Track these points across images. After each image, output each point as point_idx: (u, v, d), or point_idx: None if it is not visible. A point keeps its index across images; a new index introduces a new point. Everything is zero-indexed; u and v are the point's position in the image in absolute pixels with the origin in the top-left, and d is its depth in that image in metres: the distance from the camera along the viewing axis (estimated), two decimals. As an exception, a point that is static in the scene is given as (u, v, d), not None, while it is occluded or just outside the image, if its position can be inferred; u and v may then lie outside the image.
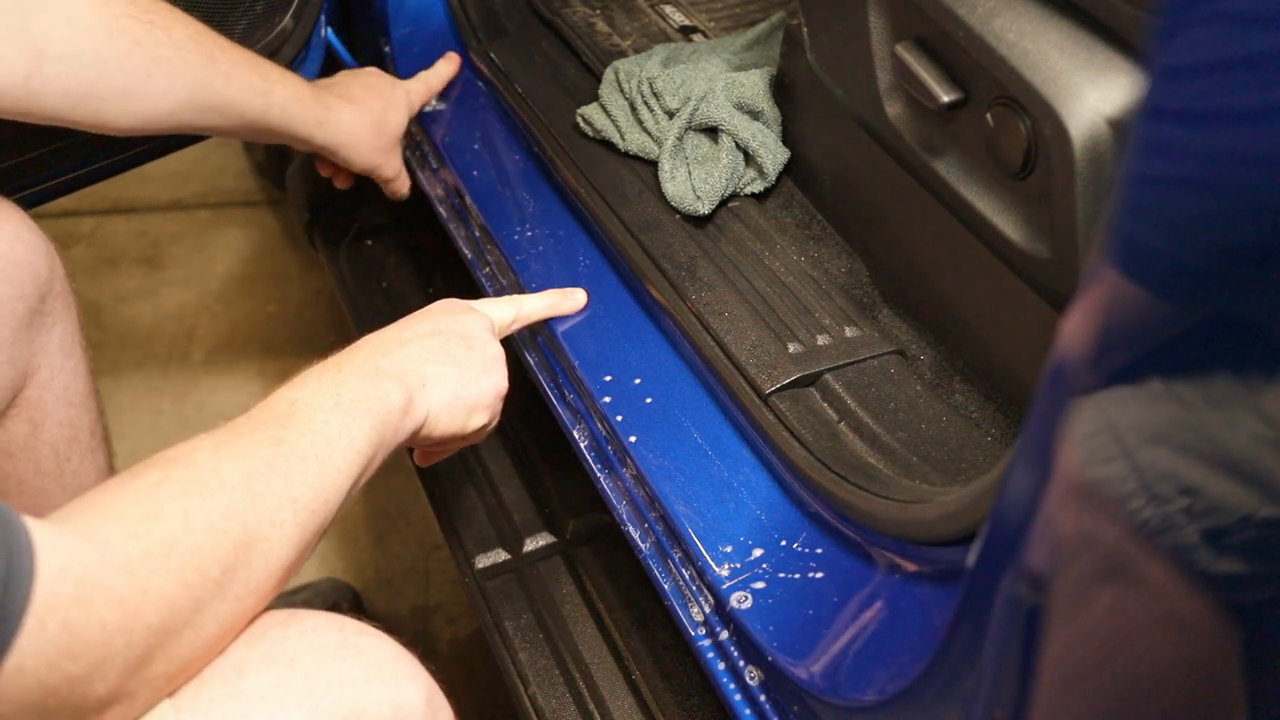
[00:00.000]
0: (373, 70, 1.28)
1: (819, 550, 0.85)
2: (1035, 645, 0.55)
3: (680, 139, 1.10)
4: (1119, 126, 0.70)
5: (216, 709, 0.64)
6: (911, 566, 0.77)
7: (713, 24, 1.34)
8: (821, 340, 0.95)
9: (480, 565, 1.16)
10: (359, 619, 0.72)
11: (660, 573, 0.91)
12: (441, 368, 0.87)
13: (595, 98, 1.20)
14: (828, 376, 0.92)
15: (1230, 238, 0.45)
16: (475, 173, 1.25)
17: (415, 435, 0.85)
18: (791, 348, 0.94)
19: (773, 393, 0.91)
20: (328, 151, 1.20)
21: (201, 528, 0.64)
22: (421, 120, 1.32)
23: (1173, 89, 0.46)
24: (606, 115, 1.17)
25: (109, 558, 0.59)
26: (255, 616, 0.69)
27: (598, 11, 1.37)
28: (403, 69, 1.36)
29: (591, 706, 1.03)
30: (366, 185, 1.33)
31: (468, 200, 1.21)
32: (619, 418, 0.96)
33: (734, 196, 1.11)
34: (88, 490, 0.65)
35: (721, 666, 0.86)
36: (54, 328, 1.09)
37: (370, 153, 1.22)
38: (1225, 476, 0.46)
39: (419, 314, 0.94)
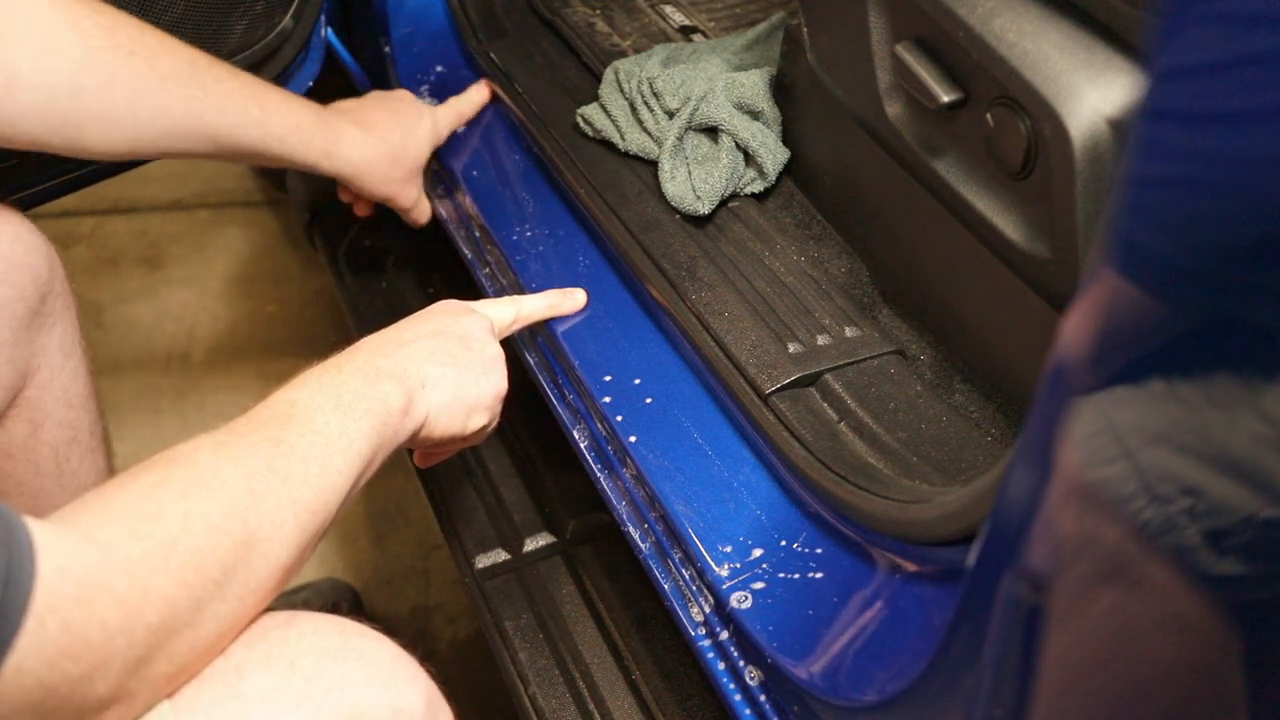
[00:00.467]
0: (402, 95, 1.26)
1: (819, 550, 0.85)
2: (1035, 645, 0.55)
3: (680, 139, 1.10)
4: (1119, 126, 0.70)
5: (216, 710, 0.64)
6: (911, 566, 0.77)
7: (713, 24, 1.34)
8: (821, 340, 0.95)
9: (480, 565, 1.16)
10: (359, 620, 0.72)
11: (660, 573, 0.91)
12: (441, 369, 0.87)
13: (595, 98, 1.20)
14: (828, 376, 0.92)
15: (1230, 239, 0.45)
16: (475, 173, 1.25)
17: (415, 436, 0.85)
18: (791, 348, 0.94)
19: (773, 393, 0.91)
20: (340, 180, 1.18)
21: (201, 528, 0.64)
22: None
23: (1172, 90, 0.46)
24: (606, 115, 1.17)
25: (110, 558, 0.59)
26: (255, 617, 0.69)
27: (598, 11, 1.37)
28: (403, 69, 1.36)
29: (591, 706, 1.03)
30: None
31: (468, 200, 1.21)
32: (619, 418, 0.96)
33: (734, 196, 1.11)
34: (87, 491, 0.65)
35: (721, 666, 0.86)
36: (54, 328, 1.09)
37: (383, 183, 1.20)
38: (1227, 477, 0.46)
39: (419, 315, 0.94)
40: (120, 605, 0.59)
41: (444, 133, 1.26)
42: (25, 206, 1.08)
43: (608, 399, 0.98)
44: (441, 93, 1.34)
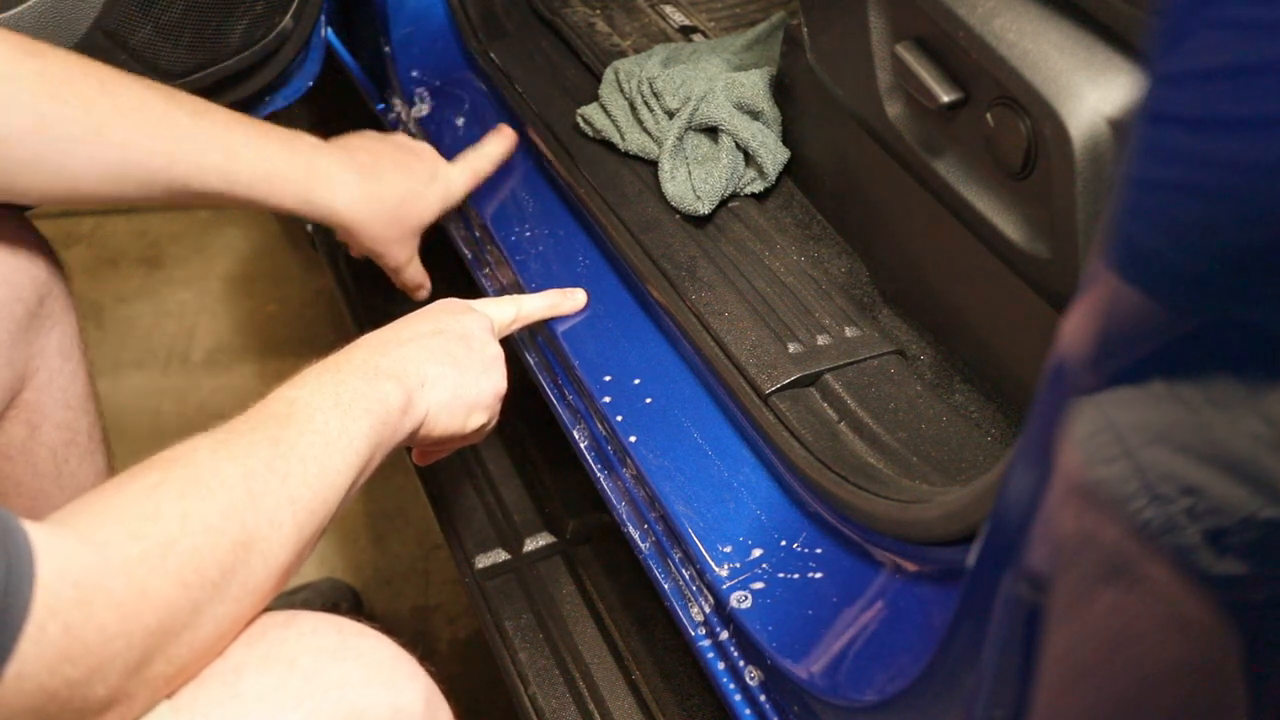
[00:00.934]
0: (422, 149, 1.15)
1: (819, 550, 0.85)
2: (1035, 645, 0.55)
3: (680, 139, 1.10)
4: (1119, 127, 0.70)
5: (215, 710, 0.64)
6: (911, 566, 0.77)
7: (713, 24, 1.34)
8: (821, 340, 0.95)
9: (480, 565, 1.16)
10: (358, 620, 0.72)
11: (660, 573, 0.91)
12: (440, 368, 0.87)
13: (595, 98, 1.19)
14: (828, 376, 0.92)
15: (1230, 241, 0.45)
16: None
17: (414, 435, 0.85)
18: (791, 348, 0.94)
19: (773, 393, 0.91)
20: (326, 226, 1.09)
21: (200, 528, 0.64)
22: (421, 122, 1.32)
23: (1173, 94, 0.46)
24: (606, 115, 1.17)
25: (108, 559, 0.59)
26: (254, 617, 0.69)
27: (598, 11, 1.37)
28: (403, 69, 1.36)
29: (591, 706, 1.03)
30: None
31: (468, 200, 1.21)
32: (619, 418, 0.96)
33: (734, 196, 1.11)
34: (86, 492, 0.65)
35: (721, 666, 0.86)
36: (53, 330, 1.09)
37: (373, 240, 1.10)
38: (1227, 477, 0.46)
39: (418, 314, 0.93)
40: (119, 607, 0.58)
41: (457, 194, 1.15)
42: (24, 208, 1.08)
43: (608, 399, 0.98)
44: (442, 94, 1.34)
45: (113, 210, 2.16)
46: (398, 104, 1.36)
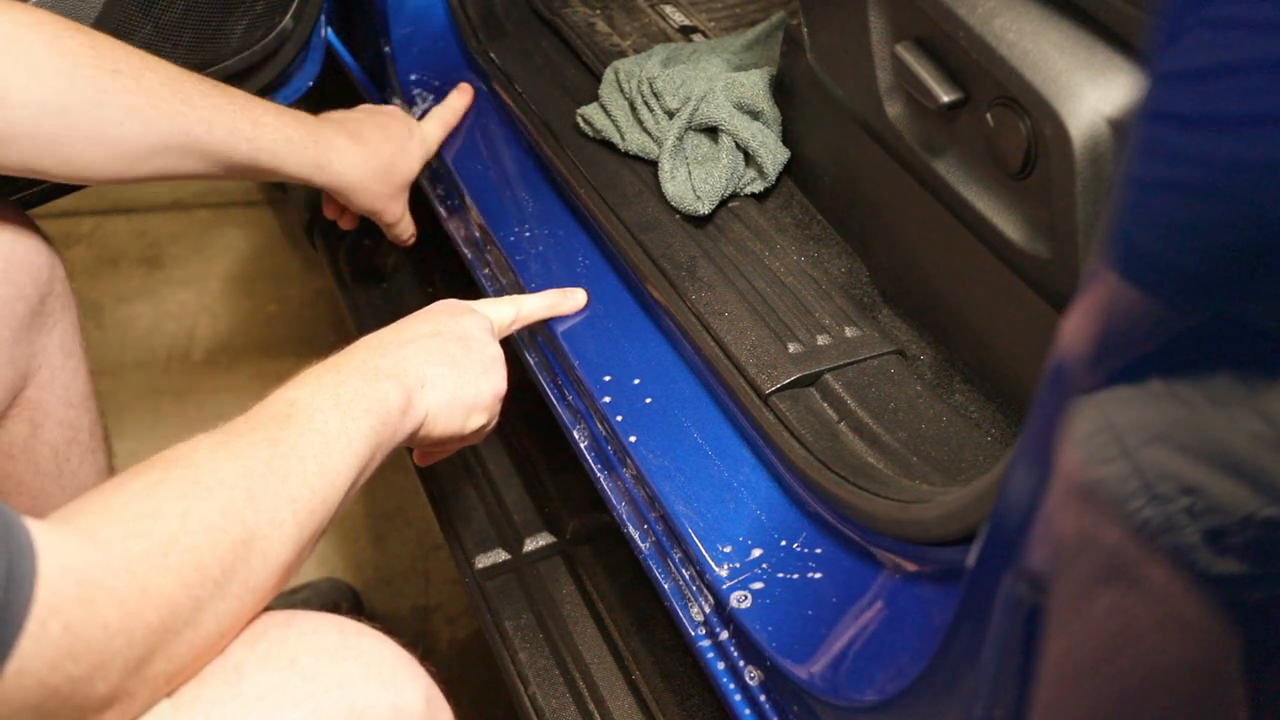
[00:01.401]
0: (393, 111, 1.25)
1: (819, 550, 0.85)
2: (1035, 645, 0.55)
3: (680, 139, 1.10)
4: (1119, 126, 0.70)
5: (216, 709, 0.64)
6: (911, 566, 0.77)
7: (713, 24, 1.34)
8: (821, 340, 0.95)
9: (480, 565, 1.16)
10: (358, 619, 0.72)
11: (660, 573, 0.91)
12: (440, 369, 0.87)
13: (595, 98, 1.20)
14: (828, 376, 0.92)
15: (1229, 240, 0.45)
16: (475, 172, 1.25)
17: (414, 436, 0.85)
18: (791, 348, 0.94)
19: (773, 393, 0.91)
20: (330, 192, 1.18)
21: (200, 527, 0.64)
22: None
23: (1172, 93, 0.46)
24: (606, 115, 1.17)
25: (110, 557, 0.59)
26: (255, 617, 0.69)
27: (598, 11, 1.37)
28: (402, 69, 1.36)
29: (591, 706, 1.03)
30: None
31: (468, 200, 1.21)
32: (619, 418, 0.96)
33: (734, 196, 1.11)
34: (87, 490, 0.65)
35: (721, 666, 0.86)
36: (54, 328, 1.09)
37: (373, 198, 1.19)
38: (1226, 476, 0.46)
39: (418, 314, 0.94)
40: (120, 604, 0.59)
41: (433, 147, 1.26)
42: (26, 206, 1.08)
43: (608, 399, 0.98)
44: (442, 94, 1.34)
45: (112, 210, 2.16)
46: (398, 104, 1.36)
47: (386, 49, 1.37)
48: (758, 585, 0.84)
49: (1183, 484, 0.47)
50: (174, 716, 0.64)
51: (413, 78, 1.36)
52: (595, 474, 0.99)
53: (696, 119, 1.10)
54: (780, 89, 1.12)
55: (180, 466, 0.67)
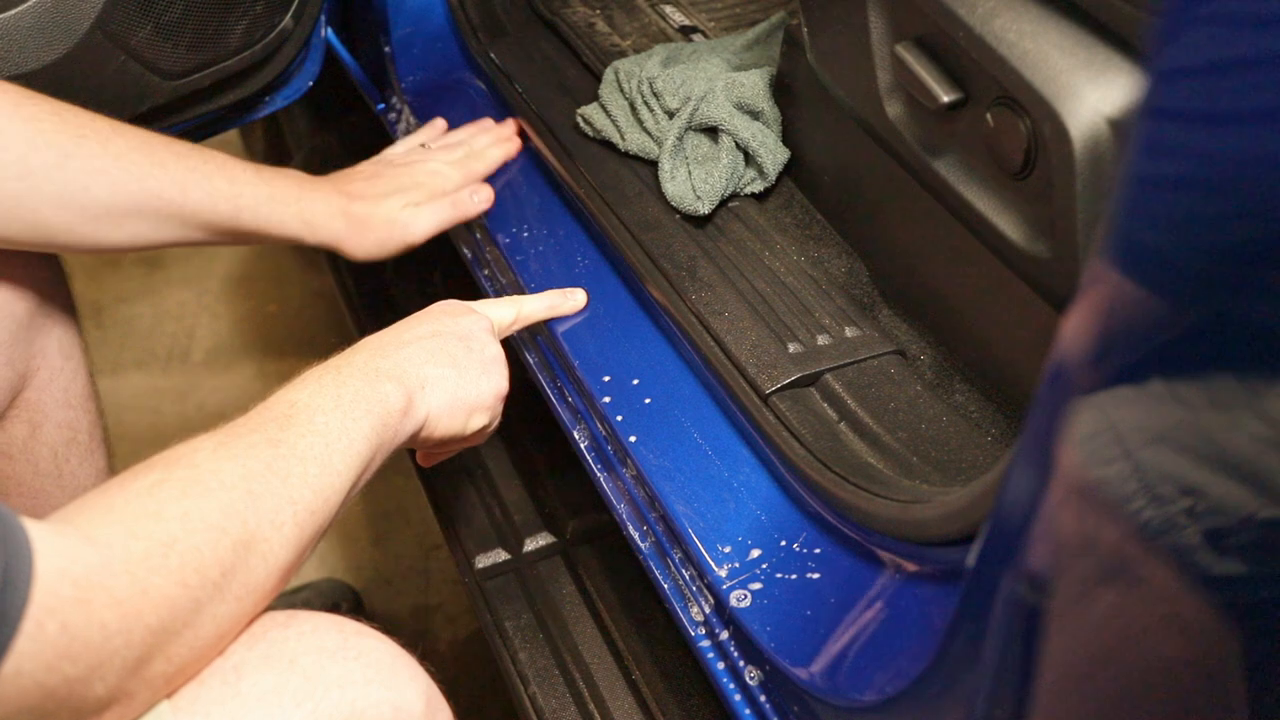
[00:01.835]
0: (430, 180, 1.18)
1: (819, 550, 0.85)
2: (1035, 645, 0.55)
3: (680, 139, 1.10)
4: (1119, 126, 0.70)
5: (215, 710, 0.64)
6: (911, 566, 0.77)
7: (713, 24, 1.34)
8: (821, 340, 0.95)
9: (480, 565, 1.16)
10: (358, 619, 0.72)
11: (660, 573, 0.91)
12: (441, 369, 0.87)
13: (595, 98, 1.20)
14: (828, 376, 0.92)
15: (1230, 238, 0.45)
16: (475, 173, 1.24)
17: (415, 437, 0.85)
18: (791, 348, 0.94)
19: (773, 393, 0.91)
20: (322, 249, 1.13)
21: (200, 528, 0.64)
22: (421, 121, 1.32)
23: (1173, 89, 0.46)
24: (606, 115, 1.17)
25: (109, 558, 0.59)
26: (255, 617, 0.69)
27: (598, 11, 1.37)
28: (403, 69, 1.36)
29: (591, 706, 1.03)
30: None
31: (467, 200, 1.21)
32: (619, 418, 0.96)
33: (734, 196, 1.11)
34: (86, 491, 0.65)
35: (721, 666, 0.86)
36: (54, 329, 1.09)
37: (367, 256, 1.14)
38: (1227, 477, 0.46)
39: (419, 315, 0.94)
40: (119, 605, 0.59)
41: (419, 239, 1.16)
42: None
43: (608, 399, 0.98)
44: (441, 93, 1.34)
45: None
46: (398, 104, 1.36)
47: (386, 49, 1.37)
48: (757, 585, 0.84)
49: (1183, 485, 0.47)
50: (174, 717, 0.64)
51: (412, 78, 1.36)
52: (595, 474, 0.99)
53: (696, 119, 1.10)
54: (780, 89, 1.12)
55: (180, 467, 0.67)
